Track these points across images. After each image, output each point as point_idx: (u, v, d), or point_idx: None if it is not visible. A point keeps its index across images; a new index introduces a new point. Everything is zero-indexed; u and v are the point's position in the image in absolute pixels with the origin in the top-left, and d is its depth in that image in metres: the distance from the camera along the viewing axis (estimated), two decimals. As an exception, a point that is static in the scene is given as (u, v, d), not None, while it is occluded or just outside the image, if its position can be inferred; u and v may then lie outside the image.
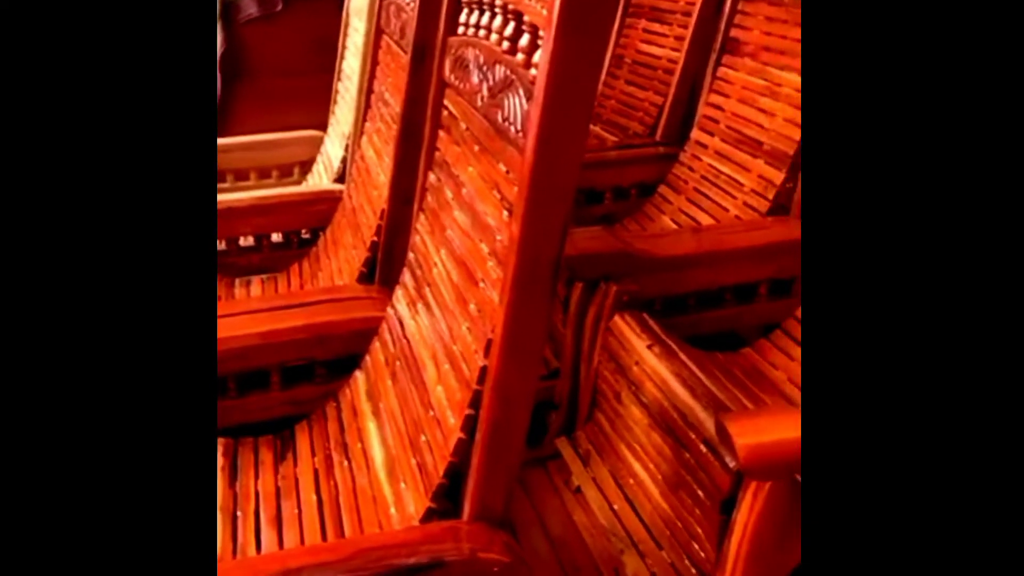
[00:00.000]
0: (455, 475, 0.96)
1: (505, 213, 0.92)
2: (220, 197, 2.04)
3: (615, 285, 1.48)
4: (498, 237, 0.94)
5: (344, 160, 1.98)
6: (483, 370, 0.92)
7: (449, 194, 1.14)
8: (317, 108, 2.38)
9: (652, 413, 1.32)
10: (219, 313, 1.42)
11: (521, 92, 0.87)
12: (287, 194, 1.97)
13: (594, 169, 2.03)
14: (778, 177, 1.73)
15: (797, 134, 1.71)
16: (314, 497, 1.18)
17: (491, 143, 0.98)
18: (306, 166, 2.35)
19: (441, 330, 1.08)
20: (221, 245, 1.89)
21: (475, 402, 0.94)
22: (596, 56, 0.80)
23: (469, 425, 0.94)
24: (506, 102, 0.91)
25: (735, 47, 1.94)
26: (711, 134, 1.95)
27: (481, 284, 0.98)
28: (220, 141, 2.42)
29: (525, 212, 0.81)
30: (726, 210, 1.83)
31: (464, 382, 0.97)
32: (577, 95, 0.78)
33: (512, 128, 0.88)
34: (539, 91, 0.78)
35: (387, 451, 1.14)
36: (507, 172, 0.94)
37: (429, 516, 0.97)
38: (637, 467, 1.36)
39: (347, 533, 1.10)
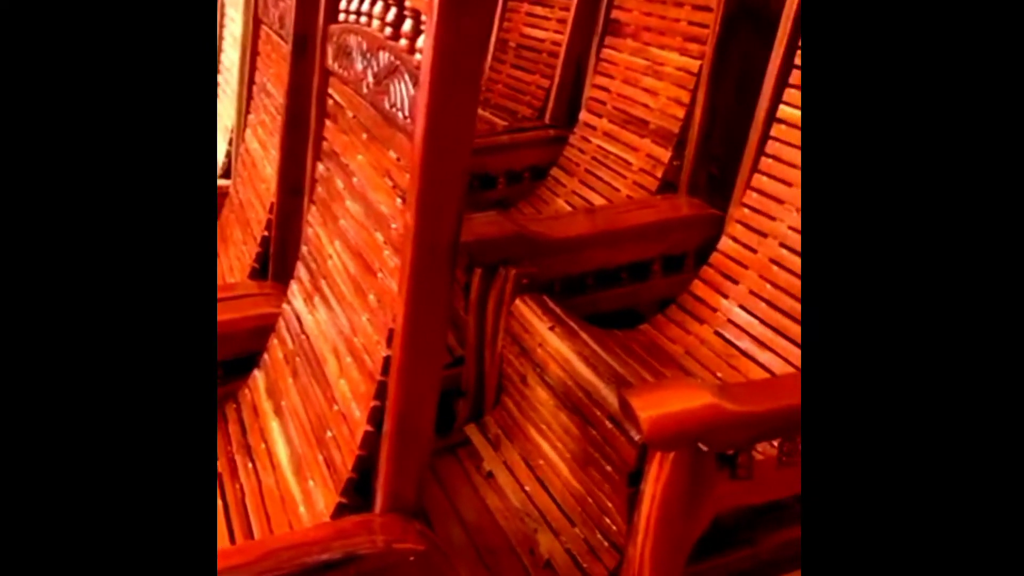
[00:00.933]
0: (365, 468, 0.95)
1: (398, 201, 0.91)
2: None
3: (514, 269, 1.49)
4: (393, 225, 0.93)
5: (229, 155, 1.92)
6: (387, 360, 0.91)
7: (340, 184, 1.13)
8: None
9: (557, 393, 1.34)
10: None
11: (407, 78, 0.86)
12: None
13: (486, 154, 2.03)
14: (665, 156, 1.77)
15: (681, 112, 1.76)
16: (219, 503, 1.14)
17: (380, 130, 0.97)
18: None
19: (341, 323, 1.06)
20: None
21: (380, 393, 0.93)
22: (479, 38, 0.80)
23: (376, 417, 0.93)
24: (392, 88, 0.89)
25: (616, 28, 1.97)
26: (599, 115, 1.98)
27: (379, 274, 0.97)
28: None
29: (419, 198, 0.80)
30: (617, 190, 1.86)
31: (368, 374, 0.96)
32: (463, 78, 0.78)
33: (400, 114, 0.87)
34: (424, 76, 0.77)
35: (292, 449, 1.12)
36: (398, 159, 0.93)
37: (340, 512, 0.96)
38: (546, 447, 1.37)
39: (256, 536, 1.07)
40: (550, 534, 1.29)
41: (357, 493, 0.97)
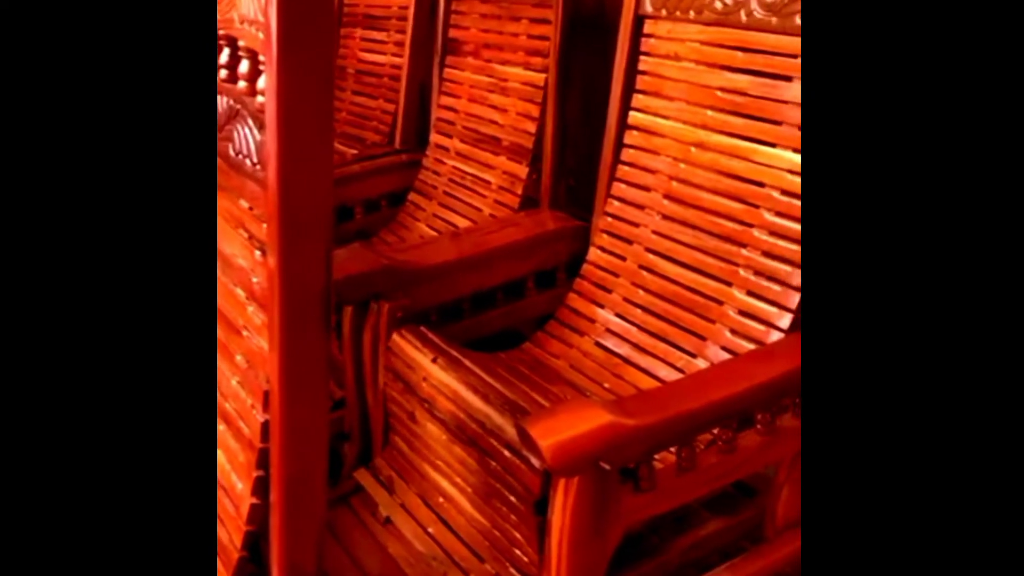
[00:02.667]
0: (255, 543, 0.88)
1: (257, 253, 0.85)
2: None
3: (387, 303, 1.44)
4: (254, 279, 0.86)
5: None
6: (265, 426, 0.84)
7: (190, 241, 1.04)
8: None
9: (450, 427, 1.30)
10: None
11: (250, 122, 0.80)
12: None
13: (340, 185, 1.96)
14: (522, 171, 1.76)
15: (532, 127, 1.75)
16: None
17: (227, 180, 0.90)
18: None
19: (209, 390, 0.98)
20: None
21: (263, 462, 0.86)
22: (324, 71, 0.75)
23: (261, 488, 0.86)
24: (236, 135, 0.83)
25: (456, 47, 1.95)
26: (449, 136, 1.95)
27: (244, 332, 0.89)
28: None
29: (281, 248, 0.74)
30: (479, 210, 1.84)
31: (246, 442, 0.88)
32: (313, 114, 0.73)
33: (248, 161, 0.81)
34: (271, 118, 0.71)
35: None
36: (250, 208, 0.86)
37: (234, 596, 0.88)
38: (445, 484, 1.32)
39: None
40: (461, 575, 1.24)
41: (251, 569, 0.89)
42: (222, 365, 0.95)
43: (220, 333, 0.96)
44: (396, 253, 1.59)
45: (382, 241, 1.98)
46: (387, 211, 2.05)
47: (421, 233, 1.95)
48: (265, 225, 0.79)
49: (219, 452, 0.94)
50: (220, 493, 0.93)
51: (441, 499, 1.33)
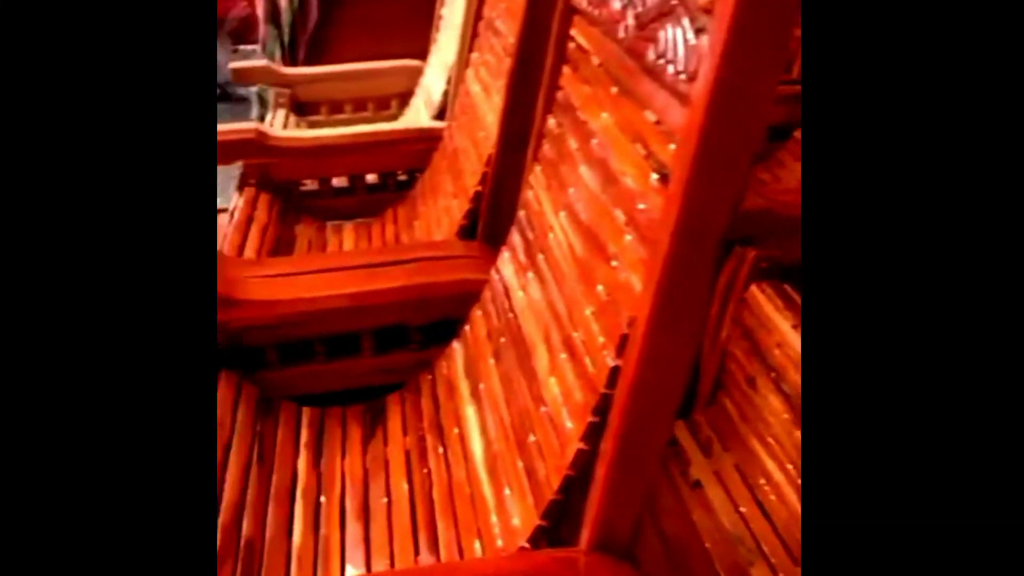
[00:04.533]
0: (572, 491, 0.80)
1: (654, 177, 0.73)
2: (314, 133, 1.89)
3: (754, 250, 1.27)
4: (640, 206, 0.75)
5: (446, 94, 1.80)
6: (614, 372, 0.74)
7: (573, 144, 0.95)
8: (418, 35, 2.19)
9: (796, 407, 1.13)
10: (309, 268, 1.28)
11: (686, 23, 0.66)
12: (384, 131, 1.81)
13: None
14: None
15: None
16: (405, 485, 1.04)
17: (636, 85, 0.78)
18: (404, 99, 2.18)
19: (558, 310, 0.90)
20: (313, 185, 1.75)
21: (602, 407, 0.76)
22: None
23: (593, 435, 0.77)
24: (662, 35, 0.70)
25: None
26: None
27: (613, 263, 0.79)
28: (315, 70, 2.27)
29: (690, 178, 0.62)
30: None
31: (587, 381, 0.80)
32: (770, 25, 0.58)
33: (670, 68, 0.68)
34: (721, 21, 0.57)
35: (487, 444, 0.98)
36: (657, 123, 0.74)
37: (539, 536, 0.82)
38: (771, 466, 1.17)
39: (441, 536, 0.96)
40: (767, 570, 1.09)
41: (560, 517, 0.82)
42: (577, 288, 0.87)
43: (583, 255, 0.87)
44: (777, 194, 1.41)
45: (756, 179, 1.79)
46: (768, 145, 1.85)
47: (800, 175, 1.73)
48: (673, 146, 0.67)
49: (554, 382, 0.87)
50: (546, 425, 0.86)
51: (763, 480, 1.17)
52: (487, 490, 0.93)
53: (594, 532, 0.76)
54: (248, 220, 1.54)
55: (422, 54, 2.18)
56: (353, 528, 1.00)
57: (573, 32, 1.00)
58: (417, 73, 2.13)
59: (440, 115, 1.82)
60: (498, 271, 1.12)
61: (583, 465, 0.79)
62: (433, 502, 1.00)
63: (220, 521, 0.92)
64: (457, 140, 1.53)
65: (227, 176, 2.83)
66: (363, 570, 0.95)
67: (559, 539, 0.82)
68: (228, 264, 1.22)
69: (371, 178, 1.77)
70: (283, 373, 1.20)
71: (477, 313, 1.14)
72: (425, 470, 1.05)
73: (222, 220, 2.33)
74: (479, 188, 1.31)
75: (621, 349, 0.73)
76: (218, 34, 4.24)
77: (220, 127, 1.71)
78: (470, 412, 1.05)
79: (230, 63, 2.52)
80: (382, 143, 1.72)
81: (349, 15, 2.54)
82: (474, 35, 1.57)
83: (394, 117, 2.14)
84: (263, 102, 2.60)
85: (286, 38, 2.47)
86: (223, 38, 4.22)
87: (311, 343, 1.21)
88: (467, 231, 1.34)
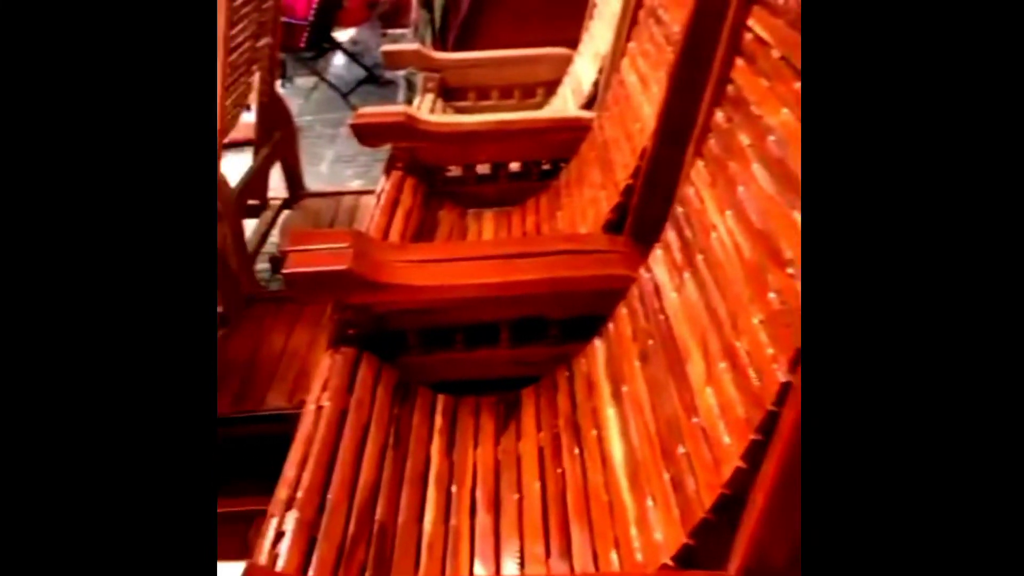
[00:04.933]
0: (726, 512, 0.75)
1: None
2: (460, 119, 1.89)
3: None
4: (825, 210, 0.69)
5: (597, 84, 1.75)
6: (785, 387, 0.69)
7: (745, 140, 0.89)
8: (569, 23, 2.15)
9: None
10: (450, 256, 1.27)
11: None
12: (532, 119, 1.78)
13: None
14: None
15: None
16: (537, 484, 1.01)
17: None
18: (551, 87, 2.15)
19: (719, 316, 0.85)
20: (457, 171, 1.74)
21: (767, 426, 0.71)
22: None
23: (754, 454, 0.72)
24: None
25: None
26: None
27: (790, 269, 0.73)
28: (465, 56, 2.27)
29: (894, 187, 0.55)
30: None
31: (752, 396, 0.74)
32: None
33: (876, 61, 0.62)
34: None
35: (629, 449, 0.94)
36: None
37: (685, 556, 0.77)
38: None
39: (574, 541, 0.92)
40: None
41: (710, 537, 0.77)
42: (744, 293, 0.81)
43: (753, 258, 0.81)
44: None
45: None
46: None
47: None
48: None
49: (710, 392, 0.81)
50: (698, 437, 0.81)
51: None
52: (627, 498, 0.89)
53: (747, 558, 0.71)
54: (394, 203, 1.55)
55: (571, 42, 2.14)
56: (483, 519, 0.98)
57: (751, 22, 0.93)
58: (566, 61, 2.10)
59: (589, 104, 1.77)
60: (649, 269, 1.07)
61: (740, 485, 0.73)
62: (566, 504, 0.97)
63: (356, 502, 0.92)
64: (608, 131, 1.49)
65: (372, 157, 2.89)
66: (492, 564, 0.93)
67: (703, 559, 0.77)
68: (375, 248, 1.22)
69: (515, 166, 1.74)
70: (422, 359, 1.20)
71: (622, 311, 1.10)
72: (559, 470, 1.02)
73: (367, 201, 2.39)
74: (630, 181, 1.26)
75: (796, 364, 0.68)
76: (369, 17, 4.35)
77: (370, 110, 1.73)
78: (610, 414, 1.01)
79: (381, 46, 2.56)
80: (529, 131, 1.70)
81: (501, 2, 2.53)
82: (633, 23, 1.51)
83: (540, 105, 2.11)
84: (411, 86, 2.63)
85: (438, 23, 2.48)
86: (373, 21, 4.32)
87: (451, 331, 1.20)
88: (614, 225, 1.29)
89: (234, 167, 2.07)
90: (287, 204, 2.46)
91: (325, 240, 1.19)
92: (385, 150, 1.76)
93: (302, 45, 3.89)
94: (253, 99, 2.17)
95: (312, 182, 2.68)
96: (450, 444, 1.10)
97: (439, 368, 1.21)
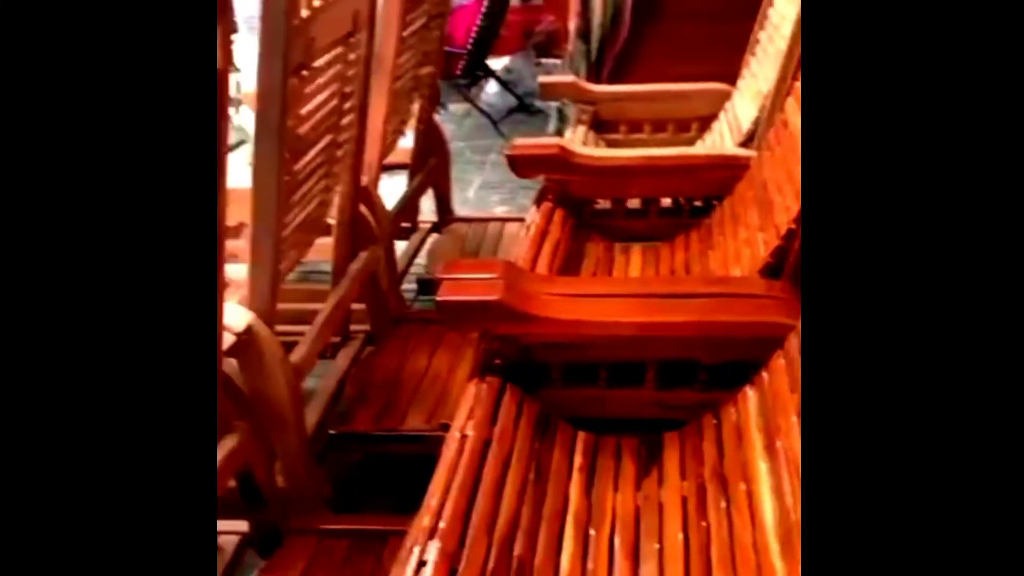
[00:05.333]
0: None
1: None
2: (613, 153, 1.88)
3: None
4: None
5: (757, 122, 1.71)
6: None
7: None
8: (726, 59, 2.11)
9: None
10: (600, 292, 1.25)
11: None
12: (685, 155, 1.75)
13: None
14: None
15: None
16: (680, 535, 0.98)
17: None
18: (705, 122, 2.11)
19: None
20: (606, 204, 1.74)
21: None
22: None
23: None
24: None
25: None
26: None
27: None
28: (621, 89, 2.27)
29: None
30: None
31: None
32: None
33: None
34: None
35: (782, 509, 0.89)
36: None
37: (841, 633, 0.72)
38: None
39: (717, 601, 0.88)
40: None
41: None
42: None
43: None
44: None
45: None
46: None
47: None
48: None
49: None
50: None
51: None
52: (778, 563, 0.85)
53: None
54: (543, 234, 1.55)
55: (728, 78, 2.10)
56: (621, 567, 0.95)
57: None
58: (723, 97, 2.06)
59: (747, 143, 1.73)
60: (809, 320, 1.02)
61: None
62: (711, 560, 0.93)
63: (496, 535, 0.92)
64: (768, 171, 1.44)
65: (518, 185, 2.93)
66: (628, 614, 0.90)
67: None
68: (526, 280, 1.23)
69: (666, 201, 1.72)
70: (564, 393, 1.19)
71: (779, 361, 1.05)
72: (704, 523, 0.98)
73: (512, 228, 2.41)
74: (792, 225, 1.21)
75: (980, 441, 0.62)
76: (524, 46, 4.43)
77: (525, 141, 1.75)
78: (762, 468, 0.97)
79: (534, 75, 2.59)
80: (684, 167, 1.67)
81: (657, 35, 2.52)
82: (800, 63, 1.46)
83: (694, 140, 2.08)
84: (563, 116, 2.65)
85: (594, 55, 2.49)
86: (528, 50, 4.40)
87: (595, 367, 1.18)
88: (772, 269, 1.24)
89: (390, 190, 2.14)
90: (436, 227, 2.52)
91: (477, 270, 1.20)
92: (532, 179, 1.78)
93: (458, 72, 4.00)
94: (411, 125, 2.24)
95: (459, 207, 2.74)
96: (589, 484, 1.08)
97: (580, 404, 1.20)
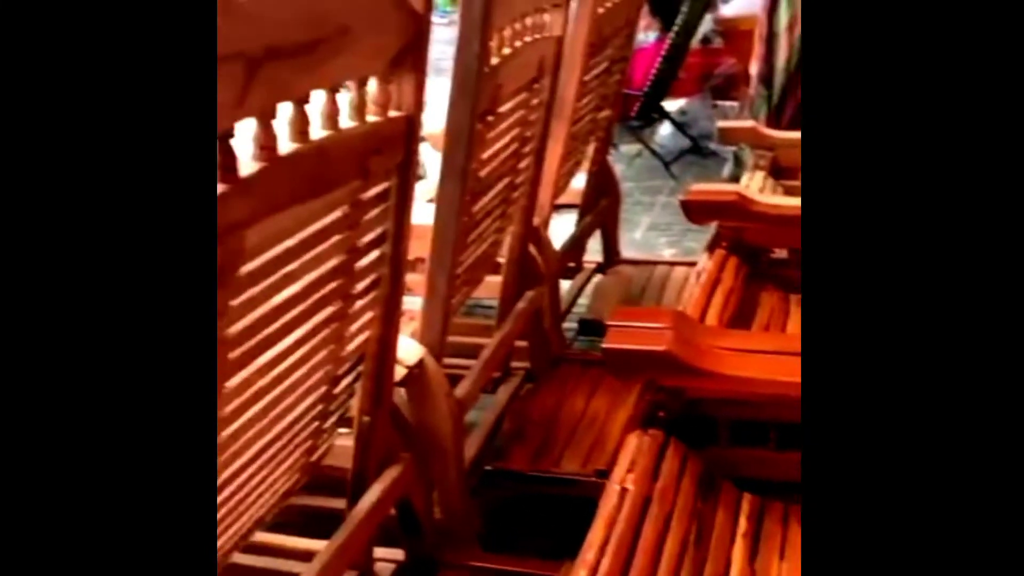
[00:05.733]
0: None
1: None
2: (793, 201, 1.81)
3: None
4: None
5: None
6: None
7: None
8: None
9: None
10: (775, 348, 1.20)
11: None
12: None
13: None
14: None
15: None
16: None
17: None
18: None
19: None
20: (783, 254, 1.67)
21: None
22: None
23: None
24: None
25: None
26: None
27: None
28: (800, 135, 2.19)
29: None
30: None
31: None
32: None
33: None
34: None
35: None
36: None
37: None
38: None
39: None
40: None
41: None
42: None
43: None
44: None
45: None
46: None
47: None
48: None
49: None
50: None
51: None
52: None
53: None
54: (714, 282, 1.51)
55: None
56: (785, 648, 0.90)
57: None
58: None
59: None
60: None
61: None
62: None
63: (652, 598, 0.89)
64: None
65: (686, 227, 2.88)
66: None
67: None
68: (696, 331, 1.19)
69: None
70: (729, 452, 1.14)
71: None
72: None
73: (679, 272, 2.37)
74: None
75: None
76: (701, 89, 4.37)
77: (702, 187, 1.71)
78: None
79: (709, 118, 2.55)
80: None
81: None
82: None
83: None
84: (739, 161, 2.58)
85: (775, 100, 2.42)
86: (705, 93, 4.34)
87: (764, 426, 1.13)
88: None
89: (559, 230, 2.16)
90: (600, 268, 2.51)
91: (646, 318, 1.18)
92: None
93: (633, 114, 4.00)
94: (584, 166, 2.25)
95: (626, 248, 2.72)
96: (754, 551, 1.03)
97: (747, 464, 1.15)
